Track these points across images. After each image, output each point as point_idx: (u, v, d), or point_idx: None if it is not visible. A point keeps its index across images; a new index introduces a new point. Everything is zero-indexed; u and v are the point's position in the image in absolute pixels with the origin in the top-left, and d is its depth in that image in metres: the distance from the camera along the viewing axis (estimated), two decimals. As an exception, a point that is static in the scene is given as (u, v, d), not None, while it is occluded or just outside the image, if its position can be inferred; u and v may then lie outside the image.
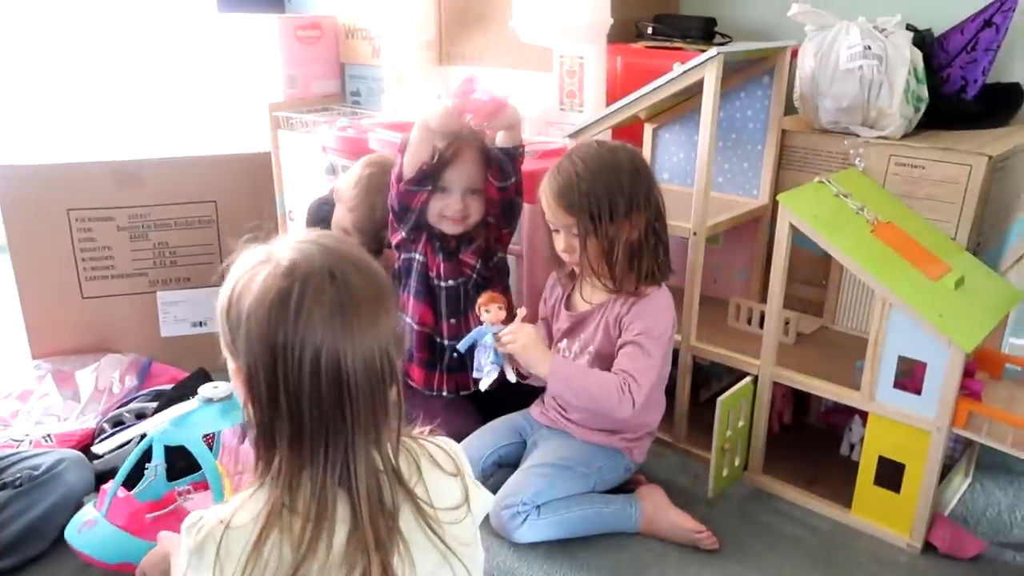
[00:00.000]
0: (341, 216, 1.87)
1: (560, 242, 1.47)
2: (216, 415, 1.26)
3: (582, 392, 1.41)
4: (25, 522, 1.36)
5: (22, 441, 1.60)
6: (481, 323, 1.44)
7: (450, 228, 1.61)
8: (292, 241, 0.78)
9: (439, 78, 2.40)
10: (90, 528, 1.31)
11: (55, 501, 1.39)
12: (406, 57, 2.42)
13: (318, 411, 0.73)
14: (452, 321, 1.67)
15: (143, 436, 1.32)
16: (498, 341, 1.40)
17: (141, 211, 1.95)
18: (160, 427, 1.26)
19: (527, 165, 1.92)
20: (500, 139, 1.58)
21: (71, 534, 1.32)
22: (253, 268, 0.76)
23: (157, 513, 1.32)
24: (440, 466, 0.85)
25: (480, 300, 1.45)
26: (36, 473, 1.42)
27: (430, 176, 1.55)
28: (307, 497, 0.74)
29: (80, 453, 1.50)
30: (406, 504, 0.79)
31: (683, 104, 1.82)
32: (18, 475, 1.41)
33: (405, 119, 2.30)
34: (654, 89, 1.57)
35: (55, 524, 1.37)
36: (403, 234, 1.63)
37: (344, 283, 0.74)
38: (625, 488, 1.53)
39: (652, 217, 1.44)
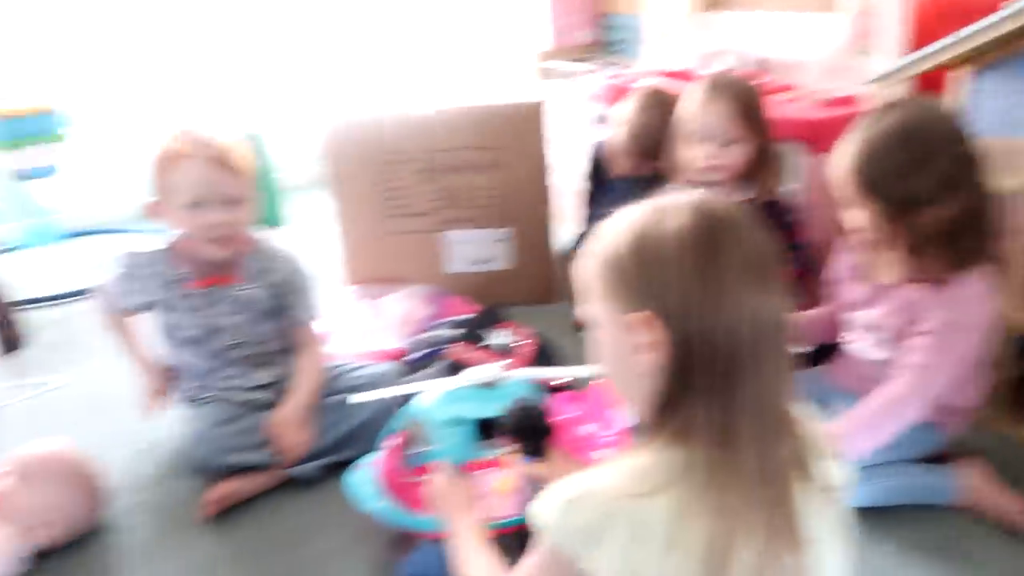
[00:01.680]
0: (613, 137, 2.04)
1: (855, 220, 1.32)
2: (481, 399, 1.23)
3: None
4: (349, 426, 1.56)
5: (345, 357, 1.84)
6: None
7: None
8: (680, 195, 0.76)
9: (704, 26, 2.35)
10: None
11: (376, 408, 1.54)
12: (669, 4, 2.40)
13: (738, 352, 0.68)
14: None
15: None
16: None
17: (433, 156, 2.13)
18: (429, 399, 1.26)
19: (813, 113, 1.83)
20: None
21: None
22: (649, 213, 0.74)
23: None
24: (821, 447, 0.76)
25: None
26: (360, 383, 1.61)
27: None
28: (731, 458, 0.68)
29: (398, 365, 1.70)
30: (806, 483, 0.72)
31: (1009, 44, 1.65)
32: (349, 384, 1.61)
33: (673, 67, 2.29)
34: (985, 27, 1.44)
35: (375, 429, 1.48)
36: None
37: (750, 229, 0.73)
38: (941, 460, 1.40)
39: (972, 194, 1.24)
